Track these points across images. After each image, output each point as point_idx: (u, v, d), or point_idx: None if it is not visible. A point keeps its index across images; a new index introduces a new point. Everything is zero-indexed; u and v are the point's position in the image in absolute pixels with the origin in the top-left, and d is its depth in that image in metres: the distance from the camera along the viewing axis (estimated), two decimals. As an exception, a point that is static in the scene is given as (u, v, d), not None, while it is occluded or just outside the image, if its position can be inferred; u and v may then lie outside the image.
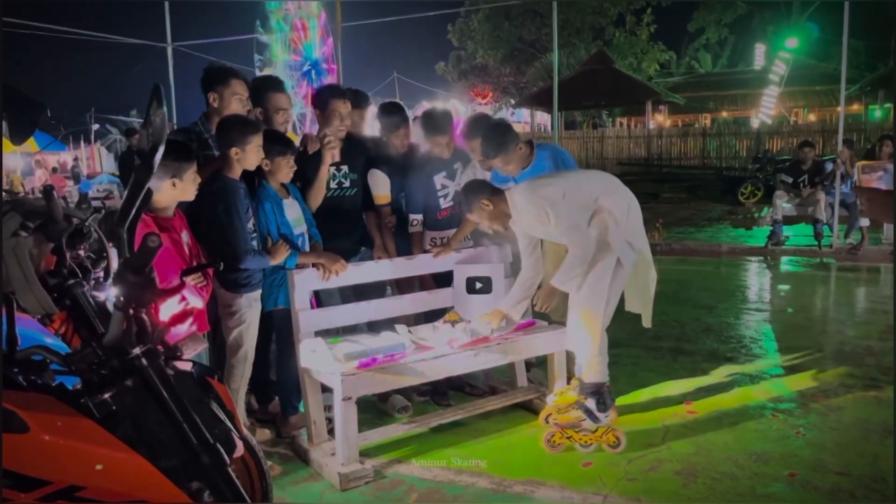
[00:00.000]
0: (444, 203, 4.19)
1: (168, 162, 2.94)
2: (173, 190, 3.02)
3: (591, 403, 3.56)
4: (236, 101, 3.67)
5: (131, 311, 1.72)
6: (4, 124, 3.91)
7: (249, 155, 3.38)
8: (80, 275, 1.92)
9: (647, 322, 3.79)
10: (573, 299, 3.59)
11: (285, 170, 3.60)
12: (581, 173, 3.92)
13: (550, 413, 3.74)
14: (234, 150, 3.35)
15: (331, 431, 3.53)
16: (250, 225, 3.41)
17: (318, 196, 3.89)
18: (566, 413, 3.65)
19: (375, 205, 4.13)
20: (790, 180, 9.74)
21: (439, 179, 4.17)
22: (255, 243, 3.42)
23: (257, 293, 3.52)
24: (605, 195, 3.53)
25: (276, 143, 3.56)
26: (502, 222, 3.64)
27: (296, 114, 32.33)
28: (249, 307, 3.48)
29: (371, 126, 4.69)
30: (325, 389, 3.53)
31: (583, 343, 3.57)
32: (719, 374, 4.61)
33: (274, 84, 3.99)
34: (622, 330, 4.36)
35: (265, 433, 3.77)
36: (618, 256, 3.48)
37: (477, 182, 3.78)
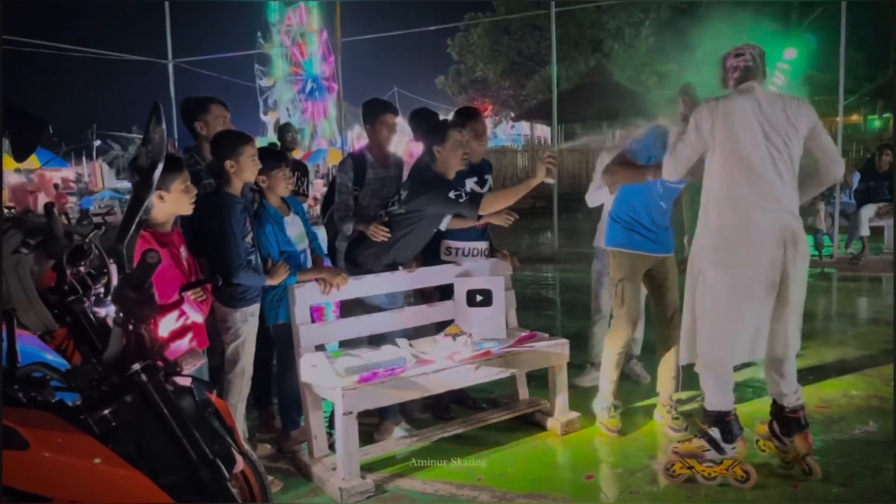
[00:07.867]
0: None
1: None
2: (162, 203, 2.99)
3: (715, 433, 3.27)
4: (220, 124, 3.78)
5: (131, 327, 1.73)
6: (7, 141, 3.94)
7: (245, 166, 3.38)
8: (81, 291, 1.93)
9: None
10: None
11: (283, 183, 3.62)
12: None
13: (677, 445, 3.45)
14: (229, 163, 3.35)
15: (332, 446, 3.53)
16: (248, 240, 3.40)
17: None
18: (689, 442, 3.38)
19: None
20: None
21: (469, 183, 4.10)
22: (253, 259, 3.41)
23: (254, 308, 3.49)
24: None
25: (269, 157, 3.58)
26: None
27: (295, 123, 32.46)
28: (245, 322, 3.44)
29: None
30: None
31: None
32: (721, 386, 4.59)
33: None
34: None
35: (266, 448, 3.76)
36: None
37: None
